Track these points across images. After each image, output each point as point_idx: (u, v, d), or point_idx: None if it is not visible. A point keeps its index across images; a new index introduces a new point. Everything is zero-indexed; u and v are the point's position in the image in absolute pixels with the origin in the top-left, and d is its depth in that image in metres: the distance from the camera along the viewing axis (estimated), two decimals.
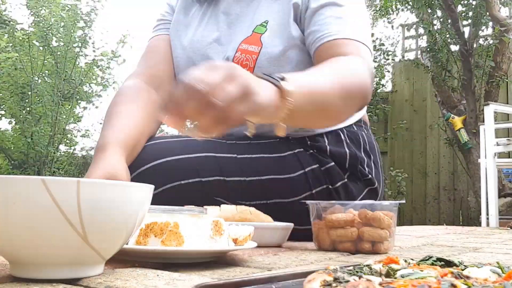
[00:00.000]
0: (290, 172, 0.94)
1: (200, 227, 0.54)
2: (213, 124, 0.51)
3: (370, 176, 1.01)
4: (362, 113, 1.10)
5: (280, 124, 0.64)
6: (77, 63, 6.28)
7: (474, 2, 4.52)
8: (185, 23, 1.07)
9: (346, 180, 0.97)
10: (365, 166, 1.01)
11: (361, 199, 0.99)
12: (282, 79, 0.62)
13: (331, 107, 0.75)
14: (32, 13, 6.04)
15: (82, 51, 6.31)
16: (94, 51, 6.49)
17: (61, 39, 6.08)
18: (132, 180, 0.85)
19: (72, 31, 5.99)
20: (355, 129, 1.04)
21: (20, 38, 5.82)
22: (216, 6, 1.04)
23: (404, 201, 0.91)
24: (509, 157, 3.81)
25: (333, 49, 0.86)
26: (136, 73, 1.03)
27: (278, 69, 0.90)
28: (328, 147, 0.97)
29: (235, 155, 0.93)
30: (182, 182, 0.87)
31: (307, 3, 0.94)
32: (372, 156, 1.04)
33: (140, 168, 0.86)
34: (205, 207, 0.74)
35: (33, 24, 6.04)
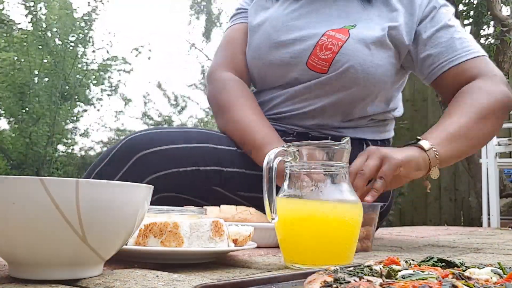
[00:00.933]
0: None
1: (199, 228, 0.53)
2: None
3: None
4: (391, 135, 1.13)
5: (434, 170, 0.85)
6: (76, 63, 6.28)
7: (475, 1, 4.52)
8: (264, 8, 1.09)
9: None
10: None
11: None
12: (418, 140, 0.84)
13: (472, 134, 0.88)
14: (29, 12, 6.04)
15: (82, 51, 6.31)
16: (94, 51, 6.50)
17: (59, 39, 6.08)
18: (132, 164, 0.87)
19: (71, 29, 5.99)
20: (379, 144, 1.07)
21: (18, 38, 5.82)
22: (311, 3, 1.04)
23: (384, 204, 0.93)
24: (510, 157, 3.80)
25: (465, 70, 0.95)
26: (222, 64, 1.07)
27: (360, 59, 0.94)
28: None
29: (234, 148, 0.95)
30: (181, 169, 0.89)
31: (422, 24, 0.98)
32: None
33: (140, 153, 0.89)
34: (204, 207, 0.74)
35: (30, 23, 6.04)
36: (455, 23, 0.99)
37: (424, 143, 0.83)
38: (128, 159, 0.89)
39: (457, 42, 0.96)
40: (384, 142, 1.09)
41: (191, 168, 0.90)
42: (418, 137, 0.85)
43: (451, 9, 1.02)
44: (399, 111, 1.11)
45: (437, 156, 0.83)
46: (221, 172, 0.92)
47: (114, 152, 0.92)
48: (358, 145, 1.01)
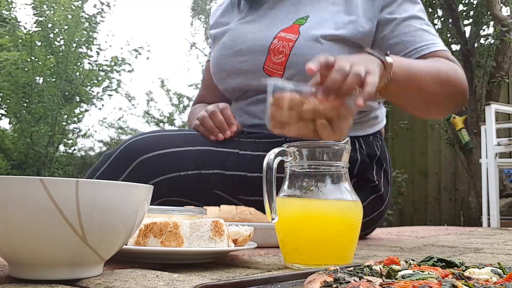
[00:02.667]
0: None
1: (199, 228, 0.53)
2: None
3: (377, 182, 1.01)
4: (382, 125, 1.11)
5: (378, 95, 0.79)
6: (79, 64, 6.28)
7: (475, 2, 4.51)
8: (223, 24, 1.11)
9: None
10: (374, 173, 1.02)
11: (366, 205, 1.00)
12: (386, 54, 0.77)
13: (426, 88, 0.86)
14: (36, 12, 6.05)
15: (85, 52, 6.32)
16: (98, 53, 6.50)
17: (64, 39, 6.09)
18: (133, 169, 0.87)
19: (75, 31, 6.00)
20: (371, 139, 1.06)
21: (23, 38, 5.83)
22: (258, 9, 1.06)
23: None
24: (510, 157, 3.80)
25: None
26: (197, 101, 1.22)
27: (314, 56, 0.91)
28: None
29: (236, 151, 0.95)
30: (182, 173, 0.89)
31: (387, 11, 0.96)
32: (383, 165, 1.05)
33: (141, 157, 0.88)
34: (204, 207, 0.74)
35: (36, 24, 6.05)
36: (424, 17, 0.99)
37: (389, 60, 0.77)
38: (129, 163, 0.88)
39: (425, 34, 0.95)
40: (376, 136, 1.08)
41: (192, 172, 0.90)
42: (387, 52, 0.79)
43: (419, 5, 1.00)
44: None
45: (389, 77, 0.78)
46: (223, 175, 0.92)
47: (114, 156, 0.91)
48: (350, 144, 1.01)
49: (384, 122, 1.15)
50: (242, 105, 1.05)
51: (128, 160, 0.89)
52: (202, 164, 0.91)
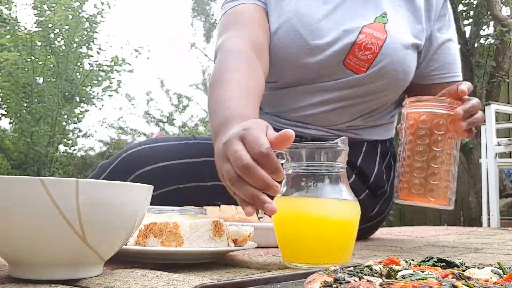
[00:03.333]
0: None
1: (200, 228, 0.53)
2: None
3: (385, 187, 1.02)
4: (394, 132, 1.11)
5: None
6: (79, 64, 6.28)
7: (475, 2, 4.51)
8: None
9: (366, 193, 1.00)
10: (384, 178, 1.02)
11: (376, 210, 1.01)
12: None
13: None
14: (36, 12, 6.04)
15: (86, 53, 6.31)
16: (98, 52, 6.50)
17: (64, 40, 6.09)
18: (131, 181, 0.85)
19: (76, 31, 5.99)
20: (388, 144, 1.07)
21: (23, 38, 5.82)
22: None
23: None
24: (510, 157, 3.80)
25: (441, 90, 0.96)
26: (239, 36, 0.87)
27: (400, 60, 0.94)
28: (358, 163, 0.98)
29: None
30: (180, 185, 0.87)
31: (437, 26, 0.99)
32: (392, 169, 1.06)
33: (138, 170, 0.86)
34: (204, 207, 0.74)
35: (36, 24, 6.04)
36: (455, 38, 1.04)
37: None
38: (126, 177, 0.86)
39: (457, 60, 1.01)
40: (391, 142, 1.10)
41: (191, 184, 0.88)
42: None
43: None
44: None
45: None
46: (221, 186, 0.90)
47: (111, 169, 0.88)
48: (372, 148, 1.01)
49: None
50: (296, 92, 0.95)
51: (125, 174, 0.86)
52: (200, 176, 0.88)
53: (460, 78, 1.00)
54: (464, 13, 4.62)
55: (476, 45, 4.49)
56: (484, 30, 4.64)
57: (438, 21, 0.99)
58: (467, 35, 4.49)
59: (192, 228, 0.53)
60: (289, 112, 0.98)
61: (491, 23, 4.46)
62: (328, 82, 0.94)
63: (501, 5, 4.33)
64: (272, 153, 0.50)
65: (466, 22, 4.62)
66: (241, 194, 0.51)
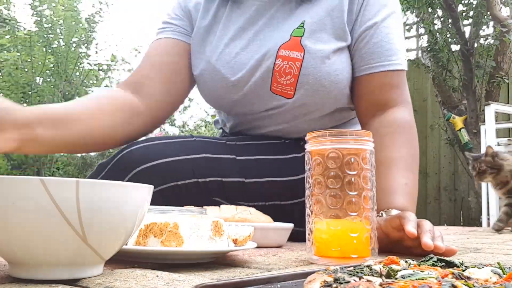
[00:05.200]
0: (291, 174, 0.93)
1: (200, 228, 0.53)
2: None
3: None
4: None
5: None
6: (78, 64, 6.28)
7: (474, 2, 4.52)
8: (206, 29, 1.01)
9: None
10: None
11: None
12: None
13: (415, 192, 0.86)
14: (35, 13, 6.04)
15: (85, 52, 6.31)
16: (96, 52, 6.50)
17: (63, 40, 6.08)
18: (129, 180, 0.85)
19: (75, 31, 5.99)
20: None
21: (22, 38, 5.82)
22: (241, 14, 0.97)
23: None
24: None
25: (387, 82, 0.91)
26: (123, 82, 0.99)
27: (324, 74, 0.90)
28: None
29: (233, 156, 0.93)
30: (179, 182, 0.87)
31: (353, 25, 0.92)
32: None
33: (137, 168, 0.86)
34: (204, 207, 0.74)
35: (35, 24, 6.04)
36: (391, 24, 0.93)
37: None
38: (124, 175, 0.86)
39: (385, 47, 0.91)
40: None
41: (190, 180, 0.88)
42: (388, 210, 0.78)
43: (391, 7, 0.94)
44: None
45: None
46: (221, 182, 0.90)
47: (109, 167, 0.88)
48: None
49: None
50: (240, 118, 1.02)
51: (123, 171, 0.86)
52: (199, 172, 0.88)
53: (393, 67, 0.90)
54: (464, 13, 4.62)
55: (475, 45, 4.49)
56: (483, 30, 4.65)
57: (363, 7, 0.92)
58: (467, 35, 4.49)
59: (192, 228, 0.53)
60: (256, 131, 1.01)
61: (491, 23, 4.47)
62: (270, 111, 0.96)
63: (501, 5, 4.33)
64: None
65: (465, 22, 4.62)
66: None
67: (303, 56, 0.89)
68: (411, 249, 0.68)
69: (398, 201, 0.79)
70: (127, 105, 0.92)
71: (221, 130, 1.16)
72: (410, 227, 0.64)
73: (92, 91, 6.76)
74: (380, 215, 0.77)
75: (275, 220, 0.84)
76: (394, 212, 0.76)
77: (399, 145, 0.87)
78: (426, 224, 0.69)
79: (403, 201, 0.79)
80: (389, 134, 0.88)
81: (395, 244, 0.71)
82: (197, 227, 0.53)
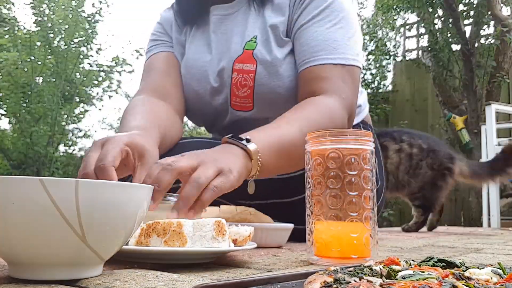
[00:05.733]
0: (293, 172, 0.93)
1: (202, 227, 0.53)
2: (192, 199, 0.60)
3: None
4: (364, 114, 1.10)
5: (251, 183, 0.75)
6: (79, 64, 6.28)
7: (475, 1, 4.52)
8: (181, 42, 1.06)
9: None
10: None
11: None
12: (248, 140, 0.71)
13: (299, 155, 0.70)
14: (35, 12, 6.05)
15: (85, 52, 6.32)
16: (97, 52, 6.51)
17: (63, 39, 6.09)
18: (130, 181, 0.84)
19: (75, 31, 6.00)
20: (361, 127, 1.06)
21: (23, 38, 5.83)
22: (205, 27, 1.02)
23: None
24: None
25: (314, 76, 0.89)
26: (141, 90, 1.00)
27: (278, 82, 0.91)
28: None
29: None
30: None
31: (297, 17, 0.93)
32: (376, 158, 1.05)
33: None
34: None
35: (35, 24, 6.05)
36: (322, 20, 0.91)
37: (252, 147, 0.71)
38: (123, 179, 0.86)
39: (310, 45, 0.90)
40: (363, 126, 1.08)
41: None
42: (248, 137, 0.72)
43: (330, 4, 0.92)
44: None
45: (259, 166, 0.72)
46: None
47: None
48: None
49: (367, 109, 1.13)
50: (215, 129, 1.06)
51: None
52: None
53: (319, 62, 0.88)
54: (464, 13, 4.62)
55: (476, 45, 4.49)
56: (484, 30, 4.65)
57: (299, 8, 0.93)
58: (468, 35, 4.49)
59: (195, 227, 0.53)
60: None
61: (492, 23, 4.47)
62: (238, 124, 0.96)
63: (502, 5, 4.33)
64: (109, 169, 0.59)
65: (466, 22, 4.62)
66: None
67: (256, 67, 0.92)
68: None
69: (253, 133, 0.74)
70: (172, 113, 0.97)
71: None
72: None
73: (92, 91, 6.77)
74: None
75: (276, 218, 0.84)
76: (250, 146, 0.70)
77: (303, 110, 0.84)
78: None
79: (259, 135, 0.74)
80: (299, 105, 0.86)
81: None
82: (200, 227, 0.53)
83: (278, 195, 0.94)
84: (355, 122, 1.05)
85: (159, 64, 1.03)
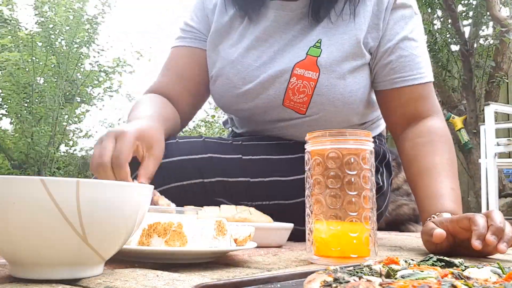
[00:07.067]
0: (296, 173, 0.93)
1: (203, 227, 0.54)
2: None
3: (381, 184, 1.02)
4: (384, 126, 1.11)
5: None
6: (80, 64, 6.28)
7: (474, 2, 4.52)
8: (224, 33, 1.00)
9: None
10: (378, 175, 1.02)
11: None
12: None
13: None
14: (37, 13, 6.05)
15: (86, 53, 6.31)
16: (98, 52, 6.50)
17: (65, 40, 6.09)
18: (133, 179, 0.84)
19: (77, 32, 5.99)
20: (377, 142, 1.06)
21: (24, 38, 5.82)
22: (258, 25, 0.97)
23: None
24: (509, 157, 3.80)
25: (417, 96, 0.92)
26: (152, 88, 1.02)
27: (338, 95, 0.90)
28: None
29: (239, 156, 0.93)
30: (184, 182, 0.87)
31: (380, 40, 0.92)
32: (385, 166, 1.06)
33: None
34: (204, 207, 0.74)
35: (37, 24, 6.05)
36: (418, 36, 0.94)
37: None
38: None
39: (415, 61, 0.92)
40: (381, 138, 1.09)
41: (195, 181, 0.87)
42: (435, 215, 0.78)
43: (416, 17, 0.95)
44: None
45: None
46: (226, 182, 0.89)
47: None
48: None
49: (383, 126, 1.14)
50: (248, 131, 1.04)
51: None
52: (204, 172, 0.88)
53: (424, 80, 0.92)
54: (463, 14, 4.62)
55: (475, 45, 4.49)
56: (483, 30, 4.65)
57: (391, 21, 0.92)
58: (467, 35, 4.49)
59: (196, 227, 0.53)
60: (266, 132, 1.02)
61: (491, 23, 4.47)
62: (280, 123, 0.96)
63: (500, 5, 4.33)
64: (125, 166, 0.69)
65: (465, 22, 4.62)
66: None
67: (318, 76, 0.89)
68: (479, 250, 0.67)
69: (448, 205, 0.79)
70: (177, 118, 1.01)
71: (230, 129, 1.17)
72: (491, 237, 0.65)
73: (93, 91, 6.76)
74: (432, 217, 0.78)
75: (277, 219, 0.84)
76: (446, 215, 0.76)
77: (440, 152, 0.88)
78: (503, 226, 0.67)
79: (453, 205, 0.79)
80: (429, 143, 0.89)
81: (460, 244, 0.71)
82: (201, 227, 0.53)
83: (281, 197, 0.94)
84: (376, 133, 1.06)
85: (179, 64, 1.03)
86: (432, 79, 0.95)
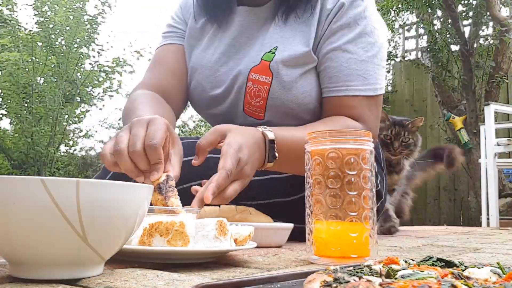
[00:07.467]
0: None
1: (205, 227, 0.54)
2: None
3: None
4: None
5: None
6: (80, 64, 6.28)
7: (474, 2, 4.52)
8: (194, 35, 1.05)
9: None
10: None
11: None
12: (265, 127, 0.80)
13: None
14: (37, 13, 6.05)
15: (86, 53, 6.31)
16: (98, 52, 6.50)
17: (65, 40, 6.09)
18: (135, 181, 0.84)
19: (76, 32, 6.00)
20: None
21: (24, 38, 5.83)
22: (226, 31, 1.01)
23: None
24: (509, 157, 3.80)
25: (344, 104, 0.91)
26: (144, 84, 1.01)
27: (292, 97, 0.92)
28: None
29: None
30: (185, 185, 0.86)
31: (329, 34, 0.92)
32: (379, 162, 1.06)
33: None
34: (204, 207, 0.74)
35: (37, 24, 6.05)
36: (356, 47, 0.91)
37: (270, 135, 0.79)
38: (128, 178, 0.86)
39: (346, 71, 0.91)
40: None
41: (196, 183, 0.86)
42: (267, 129, 0.81)
43: (361, 28, 0.92)
44: None
45: (275, 157, 0.80)
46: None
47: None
48: None
49: None
50: None
51: (127, 176, 0.86)
52: (205, 174, 0.86)
53: (352, 93, 0.90)
54: (463, 14, 4.62)
55: (475, 45, 4.49)
56: (483, 30, 4.65)
57: (329, 29, 0.92)
58: (467, 35, 4.49)
59: (197, 227, 0.53)
60: None
61: (491, 23, 4.47)
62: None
63: (500, 5, 4.33)
64: (160, 148, 0.65)
65: (465, 22, 4.62)
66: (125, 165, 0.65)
67: (271, 80, 0.92)
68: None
69: (277, 130, 0.81)
70: (172, 113, 1.00)
71: None
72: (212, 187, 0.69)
73: (93, 91, 6.76)
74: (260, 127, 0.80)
75: (277, 217, 0.84)
76: (268, 133, 0.79)
77: (322, 123, 0.89)
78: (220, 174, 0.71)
79: (279, 131, 0.81)
80: (322, 120, 0.91)
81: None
82: (202, 227, 0.53)
83: (278, 194, 0.94)
84: None
85: (169, 59, 1.04)
86: (365, 94, 0.91)
